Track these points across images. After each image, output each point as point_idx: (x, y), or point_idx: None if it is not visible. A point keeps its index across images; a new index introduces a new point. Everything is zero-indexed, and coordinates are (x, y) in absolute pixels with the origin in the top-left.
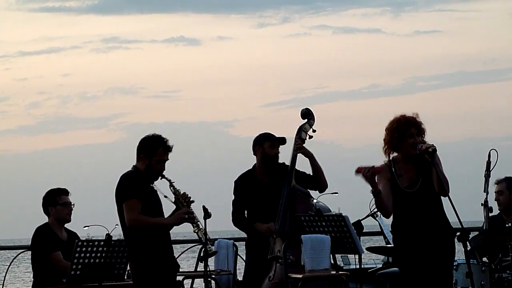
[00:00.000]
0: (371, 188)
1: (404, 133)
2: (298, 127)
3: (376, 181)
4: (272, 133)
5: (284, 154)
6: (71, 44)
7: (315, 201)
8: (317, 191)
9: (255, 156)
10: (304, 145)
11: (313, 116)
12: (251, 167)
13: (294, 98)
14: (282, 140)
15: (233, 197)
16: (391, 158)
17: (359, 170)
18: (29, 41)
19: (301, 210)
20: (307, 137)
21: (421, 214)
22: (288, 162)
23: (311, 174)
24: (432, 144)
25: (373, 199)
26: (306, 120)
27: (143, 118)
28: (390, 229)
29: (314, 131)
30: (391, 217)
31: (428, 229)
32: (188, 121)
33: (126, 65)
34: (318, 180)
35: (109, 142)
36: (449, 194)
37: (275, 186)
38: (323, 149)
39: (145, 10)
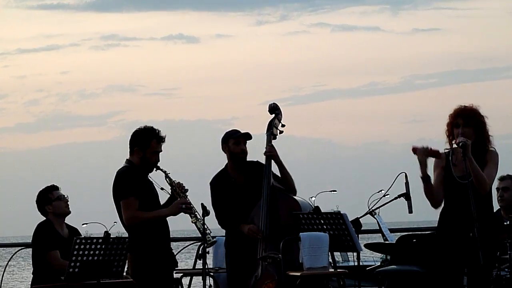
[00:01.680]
0: (420, 174)
1: (452, 122)
2: (267, 123)
3: (433, 167)
4: (238, 129)
5: (257, 153)
6: (70, 41)
7: (313, 198)
8: None
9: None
10: (276, 140)
11: (281, 111)
12: (223, 167)
13: (293, 96)
14: (247, 136)
15: (211, 201)
16: (451, 147)
17: (415, 149)
18: (27, 38)
19: (284, 207)
20: (278, 132)
21: (468, 206)
22: (262, 161)
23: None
24: (465, 140)
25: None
26: (274, 115)
27: (142, 115)
28: (438, 218)
29: (283, 125)
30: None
31: (472, 222)
32: (187, 119)
33: (125, 63)
34: (286, 187)
35: (108, 140)
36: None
37: (249, 185)
38: (321, 147)
39: (143, 7)
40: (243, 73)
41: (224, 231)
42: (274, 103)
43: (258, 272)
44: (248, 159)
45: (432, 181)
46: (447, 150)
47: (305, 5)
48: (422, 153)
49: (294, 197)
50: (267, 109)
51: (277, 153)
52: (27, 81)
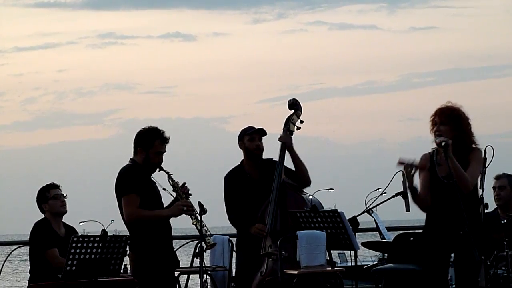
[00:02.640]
0: (407, 184)
1: (432, 121)
2: (285, 118)
3: (418, 169)
4: (252, 126)
5: (271, 150)
6: (67, 39)
7: (310, 197)
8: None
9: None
10: (292, 136)
11: (300, 107)
12: (239, 162)
13: (290, 94)
14: (261, 132)
15: (224, 196)
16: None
17: (401, 162)
18: (24, 36)
19: (292, 204)
20: (295, 128)
21: (453, 206)
22: (275, 158)
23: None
24: (447, 139)
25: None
26: (293, 110)
27: (139, 114)
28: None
29: (301, 121)
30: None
31: (456, 221)
32: (184, 117)
33: (122, 61)
34: (300, 177)
35: (105, 138)
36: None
37: (264, 181)
38: (318, 145)
39: (140, 5)
40: (240, 71)
41: (223, 229)
42: (293, 99)
43: (263, 268)
44: (263, 157)
45: (419, 185)
46: (432, 150)
47: (302, 4)
48: (409, 167)
49: (303, 195)
50: (287, 105)
51: (292, 142)
52: (24, 79)
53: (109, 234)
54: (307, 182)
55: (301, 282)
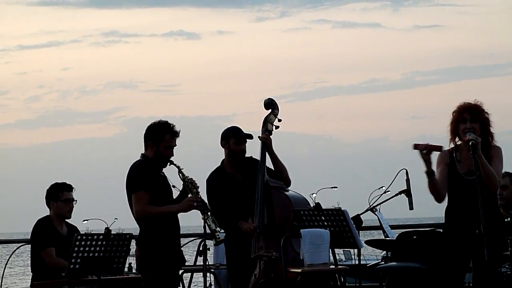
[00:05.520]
0: (425, 168)
1: (459, 117)
2: (263, 119)
3: (436, 163)
4: (240, 128)
5: (252, 148)
6: (71, 38)
7: (314, 195)
8: None
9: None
10: (271, 136)
11: (277, 106)
12: (219, 164)
13: (293, 93)
14: (249, 137)
15: (207, 199)
16: (455, 144)
17: (416, 147)
18: (28, 35)
19: (277, 203)
20: (274, 127)
21: (474, 203)
22: (255, 156)
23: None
24: (476, 137)
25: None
26: (270, 110)
27: (143, 112)
28: (444, 215)
29: (279, 120)
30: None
31: (478, 218)
32: (188, 115)
33: (125, 59)
34: (280, 178)
35: (109, 137)
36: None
37: (247, 181)
38: (322, 143)
39: (144, 4)
40: (244, 69)
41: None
42: (269, 99)
43: (257, 271)
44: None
45: (436, 176)
46: (450, 148)
47: (304, 2)
48: (424, 149)
49: (287, 193)
50: (263, 105)
51: (271, 142)
52: (28, 77)
53: (112, 232)
54: (287, 183)
55: (305, 280)
